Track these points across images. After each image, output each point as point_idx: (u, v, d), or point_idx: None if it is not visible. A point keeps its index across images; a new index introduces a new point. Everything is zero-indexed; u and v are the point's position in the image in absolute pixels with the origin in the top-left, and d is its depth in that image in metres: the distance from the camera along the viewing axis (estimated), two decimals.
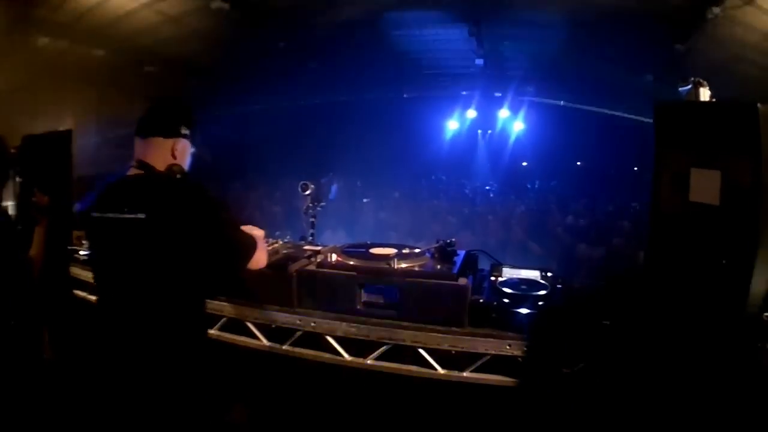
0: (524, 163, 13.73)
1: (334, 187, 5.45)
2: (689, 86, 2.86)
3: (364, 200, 10.28)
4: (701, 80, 2.84)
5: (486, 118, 14.22)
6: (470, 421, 3.63)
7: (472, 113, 14.08)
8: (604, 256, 7.56)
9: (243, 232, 2.89)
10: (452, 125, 14.50)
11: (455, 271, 3.40)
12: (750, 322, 2.64)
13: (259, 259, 2.94)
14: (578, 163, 12.83)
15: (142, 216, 2.50)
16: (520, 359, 3.23)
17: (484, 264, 3.99)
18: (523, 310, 3.32)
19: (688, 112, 2.77)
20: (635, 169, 11.97)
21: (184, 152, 2.83)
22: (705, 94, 2.84)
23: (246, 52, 9.94)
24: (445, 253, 3.56)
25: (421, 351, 3.34)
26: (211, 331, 3.73)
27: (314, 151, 10.97)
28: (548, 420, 3.28)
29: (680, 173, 2.66)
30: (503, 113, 13.88)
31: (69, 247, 5.09)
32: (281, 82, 11.10)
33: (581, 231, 8.76)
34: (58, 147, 5.52)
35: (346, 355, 3.47)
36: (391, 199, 10.55)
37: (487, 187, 13.30)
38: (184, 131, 2.81)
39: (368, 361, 3.44)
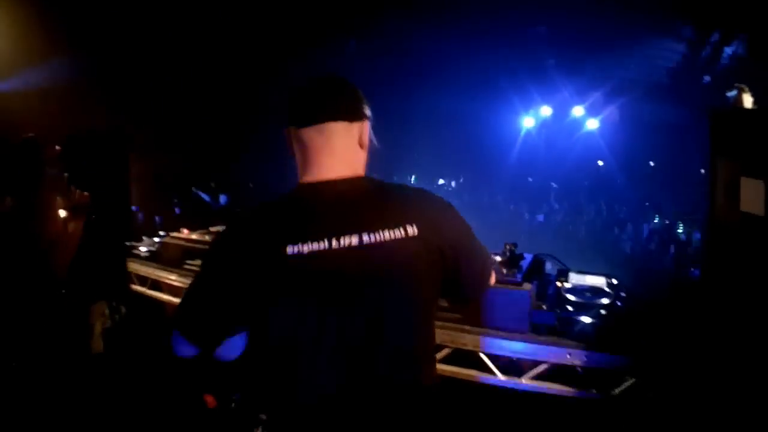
0: (600, 162, 13.69)
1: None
2: (735, 92, 2.96)
3: (440, 181, 10.47)
4: (744, 86, 2.94)
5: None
6: (524, 430, 3.82)
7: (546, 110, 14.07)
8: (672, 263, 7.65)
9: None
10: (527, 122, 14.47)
11: (520, 276, 3.58)
12: None
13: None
14: (651, 164, 12.76)
15: (413, 231, 1.90)
16: (579, 369, 3.37)
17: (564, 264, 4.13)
18: (586, 319, 3.50)
19: (739, 119, 2.87)
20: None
21: (368, 141, 2.18)
22: (748, 100, 2.92)
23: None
24: (511, 257, 3.76)
25: (482, 356, 3.54)
26: None
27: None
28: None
29: (733, 182, 2.73)
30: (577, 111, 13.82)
31: (127, 243, 5.45)
32: None
33: (649, 237, 8.87)
34: (107, 145, 5.78)
35: None
36: (464, 198, 10.77)
37: (554, 185, 13.34)
38: (368, 111, 2.16)
39: None
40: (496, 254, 3.83)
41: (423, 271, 1.94)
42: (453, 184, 12.93)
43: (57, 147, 5.78)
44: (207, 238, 5.08)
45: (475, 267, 2.19)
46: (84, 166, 5.57)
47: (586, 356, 3.33)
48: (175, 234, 5.35)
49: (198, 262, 4.72)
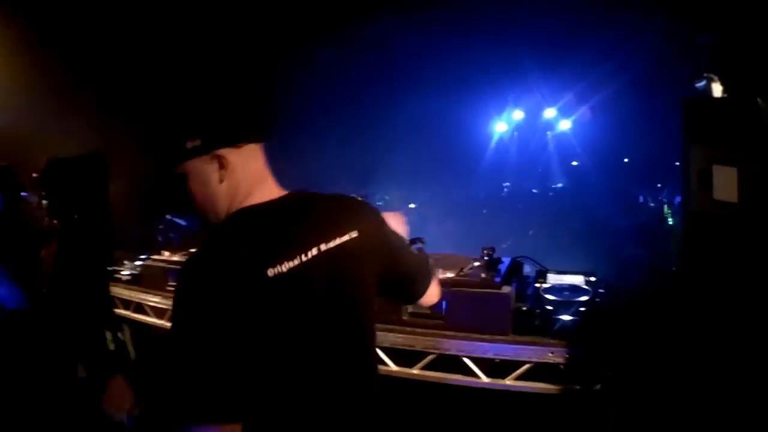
0: (574, 163, 13.78)
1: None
2: (704, 81, 3.07)
3: (410, 205, 10.56)
4: (713, 75, 3.03)
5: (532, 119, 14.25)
6: (512, 429, 3.87)
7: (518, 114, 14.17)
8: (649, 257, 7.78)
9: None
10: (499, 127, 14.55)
11: (499, 279, 3.69)
12: None
13: (434, 292, 2.47)
14: (625, 160, 12.88)
15: (354, 234, 1.98)
16: (561, 367, 3.46)
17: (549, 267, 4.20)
18: (565, 317, 3.57)
19: (709, 108, 2.97)
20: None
21: None
22: (717, 89, 3.02)
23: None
24: (489, 261, 3.86)
25: (466, 360, 3.63)
26: None
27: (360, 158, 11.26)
28: (588, 428, 3.52)
29: (706, 170, 2.82)
30: (549, 113, 13.92)
31: (109, 268, 5.49)
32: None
33: (627, 231, 8.99)
34: (88, 169, 5.77)
35: (392, 365, 3.77)
36: (440, 206, 10.86)
37: (534, 191, 13.45)
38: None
39: (414, 371, 3.74)
40: (475, 259, 3.92)
41: (369, 272, 2.04)
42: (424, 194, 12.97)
43: (34, 174, 5.80)
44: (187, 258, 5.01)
45: (411, 267, 2.29)
46: (63, 191, 5.60)
47: (567, 353, 3.42)
48: (156, 257, 5.38)
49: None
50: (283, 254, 1.77)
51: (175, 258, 5.16)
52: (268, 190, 1.93)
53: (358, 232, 1.98)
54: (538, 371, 3.52)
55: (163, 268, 5.11)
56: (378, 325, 3.66)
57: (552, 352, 3.46)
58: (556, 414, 3.62)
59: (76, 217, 5.46)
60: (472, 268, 3.85)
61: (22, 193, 6.11)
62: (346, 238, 1.94)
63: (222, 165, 1.85)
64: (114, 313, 5.46)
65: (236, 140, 1.87)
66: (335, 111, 11.59)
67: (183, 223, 5.52)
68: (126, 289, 5.35)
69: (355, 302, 2.00)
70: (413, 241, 4.00)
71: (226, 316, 1.66)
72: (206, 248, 1.81)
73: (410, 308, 3.79)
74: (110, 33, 8.79)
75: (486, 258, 3.86)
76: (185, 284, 1.74)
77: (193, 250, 5.29)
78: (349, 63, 10.81)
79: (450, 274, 3.77)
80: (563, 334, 3.51)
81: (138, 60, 9.21)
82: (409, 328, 3.74)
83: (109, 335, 5.47)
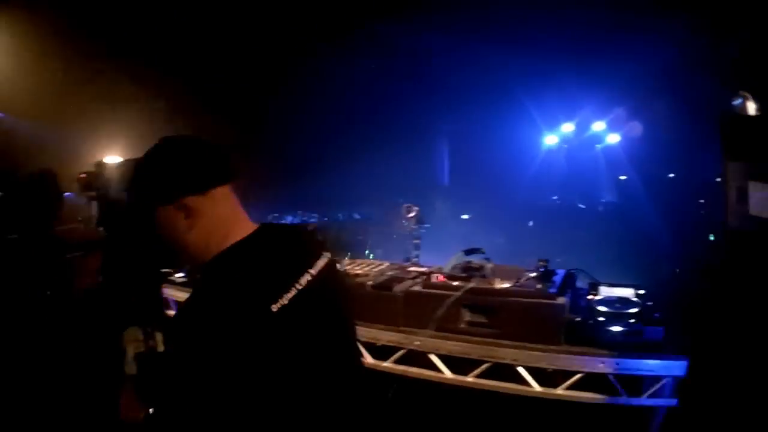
0: (622, 177, 13.76)
1: None
2: (740, 100, 3.08)
3: (463, 216, 10.68)
4: (747, 93, 3.05)
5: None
6: None
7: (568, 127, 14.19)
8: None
9: None
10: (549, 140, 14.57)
11: (554, 290, 3.76)
12: None
13: None
14: (671, 175, 12.83)
15: (328, 255, 2.07)
16: (611, 377, 3.51)
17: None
18: (616, 328, 3.64)
19: (745, 125, 3.00)
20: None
21: None
22: (751, 107, 3.04)
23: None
24: (544, 273, 3.93)
25: (520, 369, 3.67)
26: None
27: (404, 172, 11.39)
28: None
29: (744, 186, 2.82)
30: (598, 126, 13.89)
31: (162, 270, 5.59)
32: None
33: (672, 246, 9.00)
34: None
35: (448, 373, 3.83)
36: (494, 218, 11.00)
37: (582, 206, 13.46)
38: None
39: (469, 379, 3.79)
40: (530, 270, 4.00)
41: (348, 288, 2.31)
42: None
43: (82, 174, 5.90)
44: None
45: None
46: (114, 192, 5.64)
47: (616, 363, 3.48)
48: None
49: None
50: (280, 288, 1.80)
51: None
52: (243, 228, 1.94)
53: (330, 253, 2.06)
54: (588, 381, 3.57)
55: None
56: (435, 333, 3.77)
57: (603, 363, 3.51)
58: (603, 424, 3.66)
59: (128, 218, 5.54)
60: (528, 278, 3.92)
61: (66, 194, 6.24)
62: (323, 261, 2.00)
63: (188, 214, 1.85)
64: (165, 315, 5.49)
65: (201, 188, 1.86)
66: (386, 126, 11.75)
67: None
68: (180, 290, 5.39)
69: (349, 320, 2.11)
70: (473, 251, 4.10)
71: (240, 359, 1.66)
72: (205, 294, 1.78)
73: (467, 317, 3.86)
74: (156, 34, 8.96)
75: (541, 269, 3.94)
76: (193, 332, 1.69)
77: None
78: (396, 78, 10.94)
79: (507, 284, 3.84)
80: (614, 345, 3.57)
81: (182, 65, 9.39)
82: (464, 336, 3.80)
83: (159, 337, 5.54)
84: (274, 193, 11.75)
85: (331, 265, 2.04)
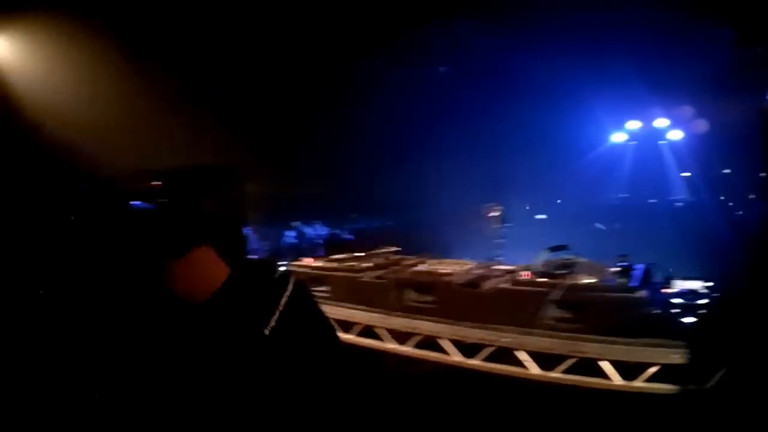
0: (685, 174, 13.83)
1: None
2: None
3: (539, 216, 10.84)
4: None
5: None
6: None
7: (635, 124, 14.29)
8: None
9: None
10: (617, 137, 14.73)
11: (634, 284, 3.92)
12: None
13: None
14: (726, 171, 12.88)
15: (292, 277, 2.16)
16: (682, 367, 3.65)
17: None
18: (688, 320, 3.84)
19: None
20: None
21: None
22: None
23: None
24: (625, 268, 4.10)
25: (602, 363, 3.78)
26: (405, 348, 4.41)
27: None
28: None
29: None
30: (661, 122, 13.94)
31: None
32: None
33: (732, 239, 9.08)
34: (218, 177, 5.86)
35: (536, 369, 3.96)
36: (566, 215, 11.20)
37: (652, 201, 13.61)
38: None
39: (555, 374, 3.92)
40: (610, 265, 4.19)
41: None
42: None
43: (153, 183, 6.10)
44: (331, 265, 5.43)
45: None
46: (191, 199, 5.77)
47: (688, 354, 3.63)
48: (297, 262, 5.73)
49: (324, 288, 5.16)
50: (267, 313, 1.94)
51: (319, 264, 5.51)
52: (221, 270, 2.03)
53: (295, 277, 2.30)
54: (664, 373, 3.70)
55: (306, 273, 5.35)
56: (522, 330, 3.95)
57: (677, 354, 3.66)
58: (673, 413, 3.78)
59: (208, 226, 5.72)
60: (610, 274, 4.10)
61: (133, 202, 6.46)
62: (292, 284, 2.25)
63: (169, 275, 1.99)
64: None
65: (180, 253, 1.99)
66: (460, 129, 11.94)
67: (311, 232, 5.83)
68: None
69: (331, 328, 2.20)
70: (558, 248, 4.30)
71: (241, 379, 1.84)
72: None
73: (554, 312, 4.00)
74: (221, 47, 9.21)
75: (622, 264, 4.12)
76: (201, 356, 1.87)
77: (334, 256, 5.59)
78: (469, 80, 11.12)
79: (590, 280, 4.02)
80: (686, 336, 3.74)
81: (254, 75, 9.63)
82: (550, 332, 3.97)
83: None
84: (354, 195, 12.06)
85: (300, 286, 2.29)
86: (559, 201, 13.29)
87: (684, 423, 3.76)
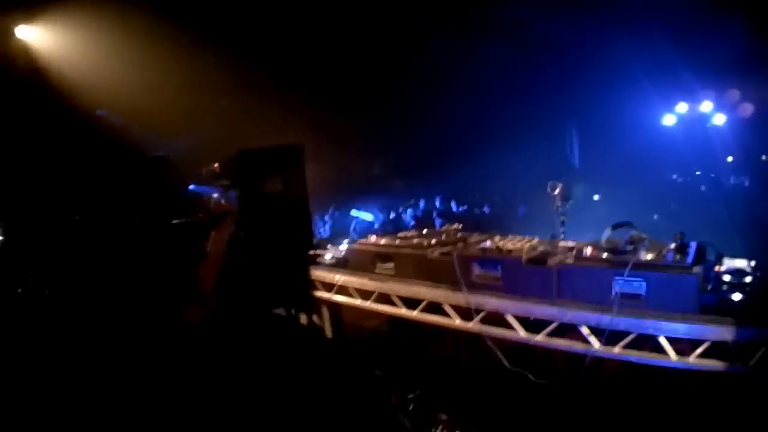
0: (729, 159, 14.02)
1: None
2: None
3: (595, 197, 11.06)
4: None
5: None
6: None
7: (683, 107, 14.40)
8: None
9: None
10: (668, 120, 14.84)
11: (689, 261, 4.08)
12: None
13: None
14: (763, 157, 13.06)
15: None
16: (730, 344, 3.80)
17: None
18: (736, 297, 3.98)
19: None
20: None
21: None
22: None
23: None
24: (681, 245, 4.26)
25: (661, 340, 3.99)
26: (471, 324, 4.64)
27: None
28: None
29: None
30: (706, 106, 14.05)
31: (312, 252, 6.03)
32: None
33: None
34: (282, 158, 6.20)
35: (596, 344, 4.18)
36: (621, 197, 11.44)
37: (702, 188, 13.80)
38: None
39: (616, 349, 4.13)
40: (668, 243, 4.34)
41: None
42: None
43: (215, 164, 6.34)
44: (396, 242, 5.56)
45: None
46: (260, 180, 6.01)
47: (736, 332, 3.77)
48: (362, 240, 5.90)
49: (389, 265, 5.34)
50: None
51: (383, 242, 5.66)
52: None
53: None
54: (713, 350, 3.88)
55: (372, 251, 5.57)
56: (585, 305, 4.13)
57: (726, 331, 3.81)
58: (718, 391, 4.02)
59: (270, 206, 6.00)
60: (668, 250, 4.25)
61: (192, 186, 6.65)
62: None
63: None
64: (312, 296, 5.95)
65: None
66: (520, 114, 12.17)
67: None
68: (329, 272, 5.80)
69: None
70: (622, 224, 4.48)
71: None
72: None
73: (616, 288, 4.14)
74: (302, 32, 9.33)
75: (678, 242, 4.28)
76: None
77: (401, 234, 5.80)
78: (528, 67, 11.31)
79: (650, 256, 4.18)
80: (734, 313, 3.88)
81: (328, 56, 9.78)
82: (613, 308, 4.08)
83: (304, 317, 6.06)
84: (416, 182, 12.38)
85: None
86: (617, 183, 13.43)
87: (725, 400, 4.03)
